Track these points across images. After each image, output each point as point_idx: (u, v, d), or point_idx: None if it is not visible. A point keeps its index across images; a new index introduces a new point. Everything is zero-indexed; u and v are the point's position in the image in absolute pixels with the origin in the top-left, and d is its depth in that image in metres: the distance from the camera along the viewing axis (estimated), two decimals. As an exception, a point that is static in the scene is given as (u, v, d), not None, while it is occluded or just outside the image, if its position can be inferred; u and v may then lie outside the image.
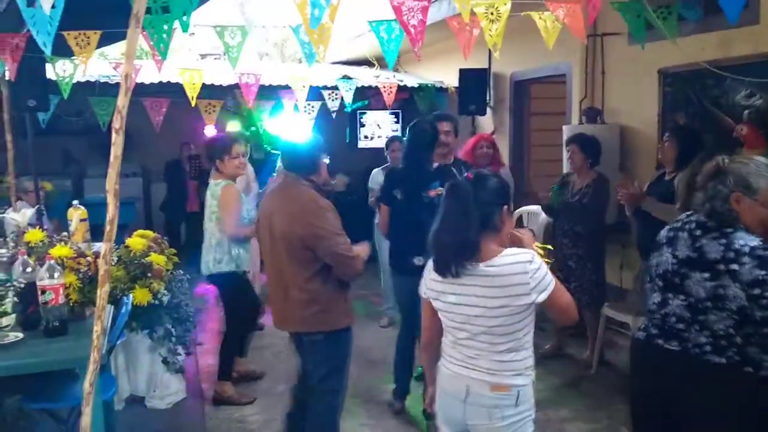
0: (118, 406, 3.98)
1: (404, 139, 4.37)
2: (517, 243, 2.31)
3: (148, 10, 3.14)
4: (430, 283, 2.33)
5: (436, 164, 4.03)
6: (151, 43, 3.33)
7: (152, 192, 9.12)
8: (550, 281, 2.18)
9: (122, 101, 2.43)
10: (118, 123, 2.40)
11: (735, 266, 2.18)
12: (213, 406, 4.23)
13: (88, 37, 4.38)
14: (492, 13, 3.75)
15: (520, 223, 5.70)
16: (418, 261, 3.55)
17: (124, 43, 6.64)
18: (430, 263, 2.33)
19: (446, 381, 2.33)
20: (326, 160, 3.32)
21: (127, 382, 4.11)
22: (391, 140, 6.03)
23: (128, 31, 2.42)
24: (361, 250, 3.26)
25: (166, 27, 3.16)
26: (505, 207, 2.30)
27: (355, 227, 6.01)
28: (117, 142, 2.42)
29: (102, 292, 2.38)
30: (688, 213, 2.42)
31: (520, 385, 2.23)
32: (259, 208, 3.41)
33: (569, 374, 4.75)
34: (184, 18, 3.03)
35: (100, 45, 4.55)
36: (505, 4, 3.63)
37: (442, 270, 2.22)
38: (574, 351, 5.07)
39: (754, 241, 2.20)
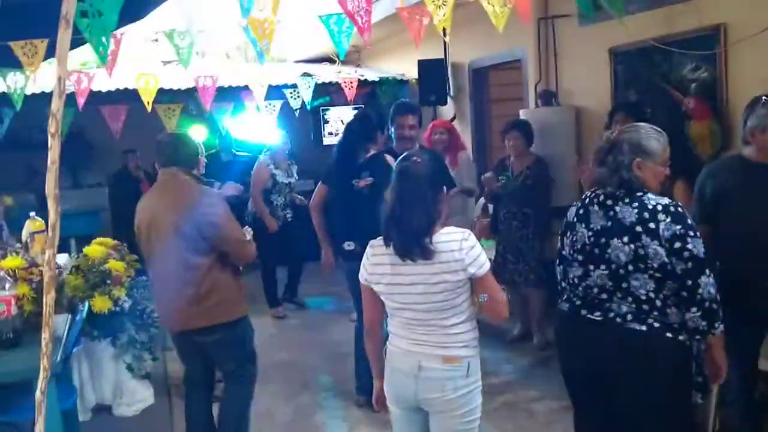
0: (84, 416, 3.95)
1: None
2: None
3: (86, 14, 3.11)
4: (372, 267, 2.36)
5: (369, 154, 4.02)
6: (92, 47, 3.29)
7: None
8: (485, 261, 2.27)
9: (56, 105, 2.37)
10: (53, 127, 2.36)
11: (652, 224, 2.28)
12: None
13: (36, 47, 4.31)
14: (438, -1, 3.77)
15: (486, 209, 5.72)
16: (348, 246, 3.61)
17: (77, 51, 6.53)
18: (368, 249, 2.37)
19: (397, 359, 2.37)
20: (203, 159, 3.34)
21: (92, 392, 4.08)
22: None
23: (58, 34, 2.39)
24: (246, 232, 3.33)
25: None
26: (445, 187, 2.36)
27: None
28: (53, 146, 2.37)
29: (48, 299, 2.36)
30: (591, 189, 2.51)
31: (470, 356, 2.31)
32: (137, 212, 3.29)
33: (536, 355, 4.79)
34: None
35: (49, 54, 4.48)
36: (451, -12, 3.63)
37: (403, 254, 2.24)
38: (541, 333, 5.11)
39: (664, 200, 2.33)
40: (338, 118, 8.47)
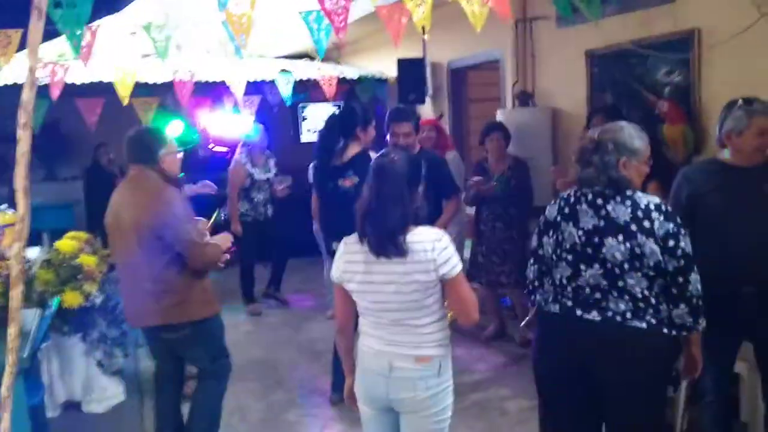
0: (53, 413, 3.90)
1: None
2: None
3: (59, 5, 3.07)
4: (345, 265, 2.35)
5: (354, 151, 3.95)
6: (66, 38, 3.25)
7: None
8: (458, 262, 2.27)
9: (26, 95, 2.35)
10: (23, 118, 2.33)
11: (647, 223, 2.31)
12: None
13: (9, 36, 4.23)
14: (417, -4, 3.77)
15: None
16: (336, 246, 3.59)
17: (52, 43, 6.43)
18: (341, 247, 2.36)
19: (368, 360, 2.37)
20: (179, 155, 3.30)
21: (62, 388, 4.03)
22: None
23: (30, 24, 2.36)
24: (221, 238, 3.32)
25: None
26: (421, 187, 2.36)
27: (300, 222, 6.10)
28: (23, 137, 2.35)
29: (15, 293, 2.33)
30: (575, 189, 2.51)
31: (441, 355, 2.32)
32: (108, 206, 3.30)
33: (510, 354, 4.82)
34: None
35: (23, 45, 4.40)
36: (430, -13, 3.64)
37: (378, 251, 2.24)
38: (514, 331, 5.13)
39: (655, 198, 2.37)
40: (317, 116, 8.45)
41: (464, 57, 6.47)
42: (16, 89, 5.96)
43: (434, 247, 2.21)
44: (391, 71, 7.48)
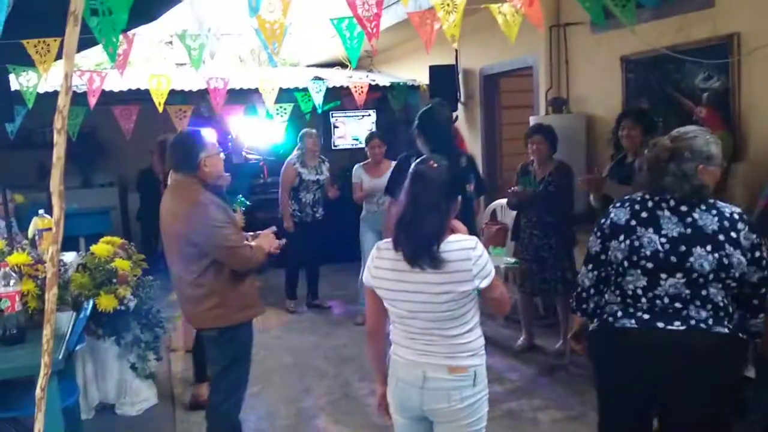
0: (87, 415, 3.95)
1: (418, 127, 3.99)
2: (455, 231, 2.29)
3: (96, 12, 3.13)
4: (376, 270, 2.31)
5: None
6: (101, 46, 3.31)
7: (129, 201, 9.06)
8: (491, 269, 2.22)
9: (62, 101, 2.37)
10: (59, 123, 2.36)
11: (734, 234, 2.27)
12: (189, 410, 4.15)
13: (48, 45, 4.32)
14: (448, 5, 3.76)
15: (494, 216, 5.70)
16: None
17: (92, 52, 6.55)
18: (373, 251, 2.33)
19: (402, 370, 2.32)
20: (221, 156, 3.27)
21: (96, 390, 4.07)
22: (371, 136, 6.07)
23: (66, 30, 2.39)
24: (264, 239, 3.27)
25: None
26: (459, 197, 2.33)
27: (343, 226, 6.13)
28: (59, 142, 2.37)
29: (50, 296, 2.36)
30: (644, 193, 2.42)
31: (476, 365, 2.26)
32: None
33: (542, 364, 4.75)
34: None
35: (62, 53, 4.49)
36: (461, -6, 3.63)
37: (412, 260, 2.18)
38: (544, 342, 5.07)
39: (737, 208, 2.34)
40: (348, 123, 8.49)
41: (497, 63, 6.43)
42: (52, 97, 6.12)
43: (469, 256, 2.15)
44: (423, 78, 7.48)
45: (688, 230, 2.30)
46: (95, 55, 7.72)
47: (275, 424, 4.03)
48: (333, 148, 8.37)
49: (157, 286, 4.46)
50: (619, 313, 2.40)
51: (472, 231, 2.81)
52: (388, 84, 7.96)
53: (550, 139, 4.75)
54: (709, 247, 2.26)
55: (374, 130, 6.37)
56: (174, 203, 3.19)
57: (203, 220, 3.04)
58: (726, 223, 2.27)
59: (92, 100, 5.53)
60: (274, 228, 3.42)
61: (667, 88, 4.44)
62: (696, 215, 2.31)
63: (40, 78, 5.12)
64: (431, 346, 2.24)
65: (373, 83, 7.71)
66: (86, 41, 4.01)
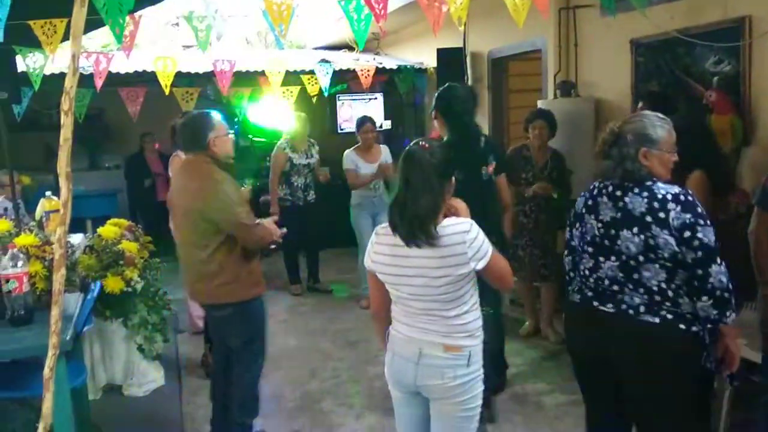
0: (95, 396, 3.98)
1: (439, 107, 3.75)
2: (455, 214, 2.30)
3: (102, -7, 3.10)
4: (376, 256, 2.34)
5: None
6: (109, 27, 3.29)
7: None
8: (488, 249, 2.22)
9: (69, 82, 2.38)
10: (66, 104, 2.36)
11: (662, 214, 2.26)
12: (207, 378, 4.15)
13: (54, 26, 4.30)
14: (456, -14, 3.72)
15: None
16: None
17: (98, 33, 6.52)
18: (373, 235, 2.35)
19: (399, 344, 2.37)
20: (230, 136, 3.31)
21: (103, 371, 4.11)
22: (362, 121, 6.02)
23: (74, 10, 2.38)
24: (268, 223, 3.36)
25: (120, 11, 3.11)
26: (452, 178, 2.32)
27: (342, 210, 6.12)
28: (66, 123, 2.37)
29: (58, 276, 2.37)
30: (599, 181, 2.48)
31: (472, 345, 2.29)
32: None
33: (547, 349, 4.76)
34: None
35: (68, 34, 4.47)
36: (468, -23, 3.59)
37: (407, 239, 2.21)
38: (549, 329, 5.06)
39: (674, 188, 2.31)
40: (354, 106, 8.43)
41: (505, 46, 6.37)
42: (59, 78, 6.10)
43: (464, 240, 2.16)
44: (430, 61, 7.43)
45: (618, 214, 2.36)
46: (101, 36, 7.69)
47: (282, 406, 4.06)
48: (339, 131, 8.33)
49: (164, 269, 4.48)
50: (575, 288, 2.58)
51: (490, 212, 2.79)
52: (395, 67, 7.91)
53: (550, 124, 4.74)
54: (635, 229, 2.30)
55: (365, 115, 6.31)
56: (186, 180, 3.24)
57: (220, 196, 3.09)
58: (655, 204, 2.28)
59: (99, 82, 5.51)
60: (275, 217, 3.48)
61: (677, 72, 4.40)
62: (627, 199, 2.34)
63: (46, 59, 5.11)
64: (429, 325, 2.28)
65: (380, 66, 7.66)
66: (93, 22, 3.99)
